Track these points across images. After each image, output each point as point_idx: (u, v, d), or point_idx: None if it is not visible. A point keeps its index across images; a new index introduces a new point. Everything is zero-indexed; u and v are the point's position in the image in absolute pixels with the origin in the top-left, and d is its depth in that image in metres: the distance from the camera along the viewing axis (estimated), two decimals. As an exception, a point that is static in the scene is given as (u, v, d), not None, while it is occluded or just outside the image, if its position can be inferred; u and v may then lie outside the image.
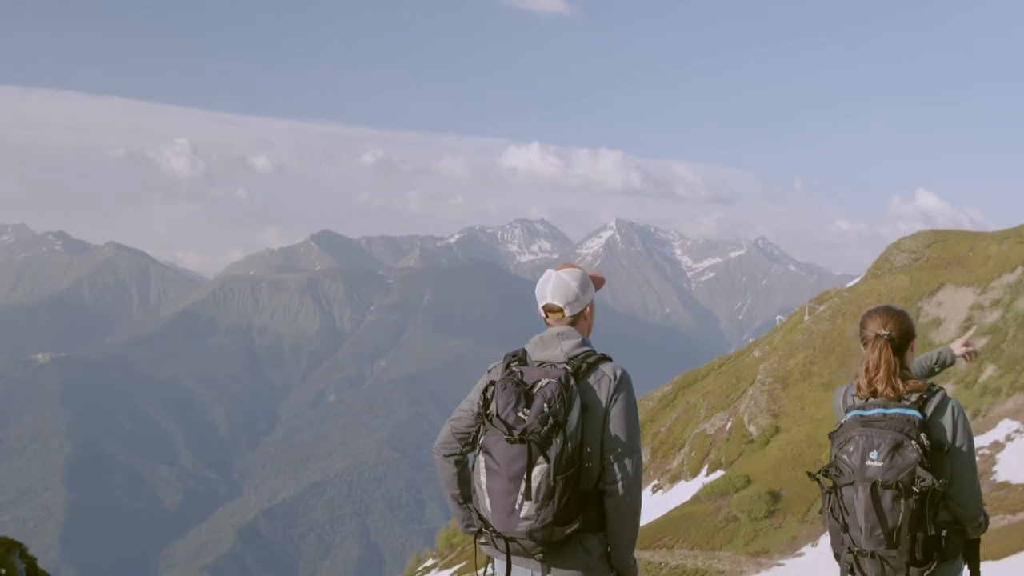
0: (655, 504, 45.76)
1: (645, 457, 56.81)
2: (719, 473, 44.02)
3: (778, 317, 71.83)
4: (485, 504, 3.68)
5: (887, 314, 4.12)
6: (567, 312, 3.95)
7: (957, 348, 4.92)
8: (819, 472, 3.88)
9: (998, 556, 20.97)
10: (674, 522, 38.53)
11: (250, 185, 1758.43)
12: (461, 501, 4.05)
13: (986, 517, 3.96)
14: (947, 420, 3.85)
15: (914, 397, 3.88)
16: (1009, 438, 34.28)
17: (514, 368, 3.80)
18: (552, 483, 3.54)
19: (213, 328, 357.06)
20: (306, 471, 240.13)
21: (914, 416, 3.76)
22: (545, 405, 3.57)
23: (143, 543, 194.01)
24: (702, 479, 45.16)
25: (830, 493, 3.85)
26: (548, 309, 4.00)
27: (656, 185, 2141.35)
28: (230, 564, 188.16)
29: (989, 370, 40.35)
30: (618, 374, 3.82)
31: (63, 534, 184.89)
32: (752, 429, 45.83)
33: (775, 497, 35.38)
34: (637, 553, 35.44)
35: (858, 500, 3.69)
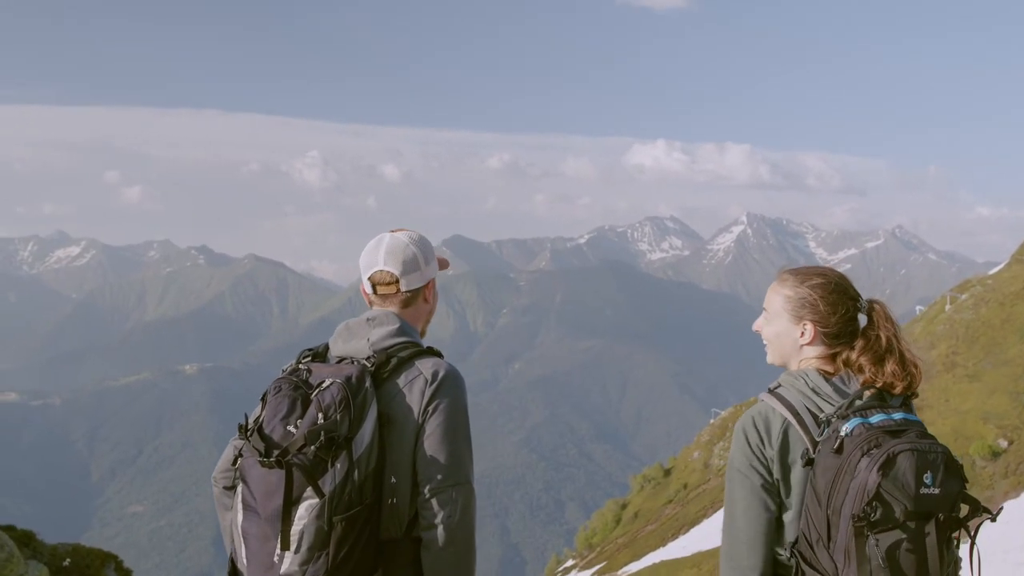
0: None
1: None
2: (862, 471, 42.45)
3: (918, 307, 68.86)
4: (240, 554, 2.50)
5: (847, 279, 2.68)
6: (403, 285, 2.80)
7: None
8: (864, 513, 2.21)
9: None
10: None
11: (380, 194, 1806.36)
12: None
13: None
14: None
15: (899, 395, 2.54)
16: None
17: (302, 365, 2.63)
18: (326, 526, 2.39)
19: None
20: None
21: (920, 424, 2.45)
22: (320, 416, 2.42)
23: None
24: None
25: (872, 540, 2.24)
26: (377, 281, 2.83)
27: (785, 177, 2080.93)
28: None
29: None
30: (440, 374, 2.71)
31: (216, 538, 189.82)
32: (895, 424, 44.15)
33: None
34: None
35: (919, 545, 2.23)
